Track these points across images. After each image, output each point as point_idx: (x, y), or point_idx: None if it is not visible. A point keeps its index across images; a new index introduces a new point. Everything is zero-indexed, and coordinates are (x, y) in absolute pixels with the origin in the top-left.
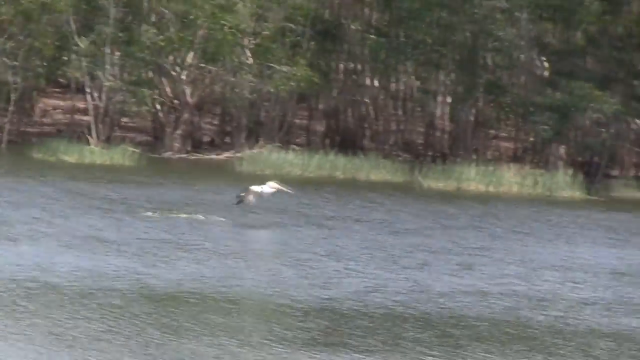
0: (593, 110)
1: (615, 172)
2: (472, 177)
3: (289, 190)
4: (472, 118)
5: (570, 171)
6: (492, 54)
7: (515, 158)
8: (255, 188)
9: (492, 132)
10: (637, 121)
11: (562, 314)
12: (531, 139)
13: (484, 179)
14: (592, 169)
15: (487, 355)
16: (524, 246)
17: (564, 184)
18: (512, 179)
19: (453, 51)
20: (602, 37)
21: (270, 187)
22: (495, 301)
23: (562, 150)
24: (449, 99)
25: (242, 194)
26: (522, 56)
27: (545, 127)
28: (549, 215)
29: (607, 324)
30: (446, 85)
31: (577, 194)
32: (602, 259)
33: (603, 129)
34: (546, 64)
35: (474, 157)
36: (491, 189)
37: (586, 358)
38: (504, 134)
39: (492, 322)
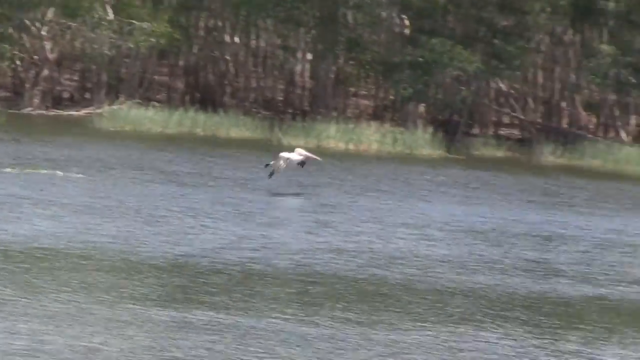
0: (454, 68)
1: (475, 131)
2: (332, 135)
3: (317, 158)
4: (332, 75)
5: (430, 129)
6: (353, 11)
7: (376, 116)
8: (284, 154)
9: (353, 89)
10: (498, 79)
11: (417, 271)
12: (391, 96)
13: (344, 136)
14: (452, 127)
15: (342, 312)
16: (381, 204)
17: (424, 142)
18: (372, 137)
19: (313, 8)
20: None
21: (298, 154)
22: (351, 258)
23: (422, 108)
24: (309, 56)
25: (272, 162)
26: (383, 14)
27: (406, 85)
28: (407, 173)
29: (461, 281)
30: (307, 43)
31: (437, 152)
32: (459, 216)
33: (463, 87)
34: (407, 22)
35: (334, 114)
36: (351, 146)
37: (440, 316)
38: (364, 92)
39: (348, 280)
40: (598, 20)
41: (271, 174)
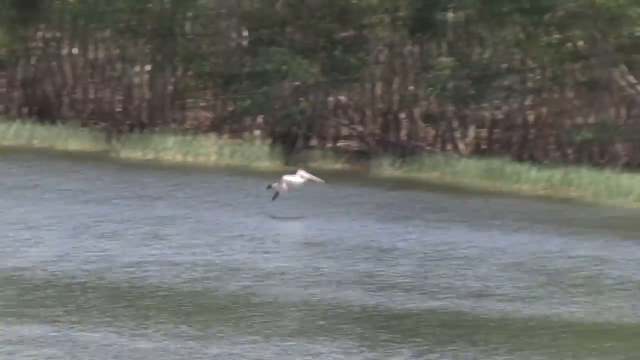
0: (293, 79)
1: (314, 143)
2: (170, 147)
3: (319, 180)
4: (170, 87)
5: (269, 141)
6: (191, 22)
7: (214, 128)
8: (288, 178)
9: (191, 101)
10: (337, 91)
11: (252, 284)
12: (230, 108)
13: (182, 148)
14: (291, 139)
15: (176, 326)
16: (217, 216)
17: (262, 154)
18: (210, 149)
19: (152, 19)
20: (302, 7)
21: (300, 176)
22: (186, 271)
23: (260, 119)
24: (148, 67)
25: (274, 184)
26: (222, 25)
27: (244, 96)
28: (244, 185)
29: (296, 294)
30: (145, 54)
31: (276, 164)
32: (295, 229)
33: (302, 99)
34: (246, 33)
35: (173, 126)
36: (189, 158)
37: (274, 329)
38: (203, 103)
39: (182, 293)
40: (437, 31)
41: (275, 196)
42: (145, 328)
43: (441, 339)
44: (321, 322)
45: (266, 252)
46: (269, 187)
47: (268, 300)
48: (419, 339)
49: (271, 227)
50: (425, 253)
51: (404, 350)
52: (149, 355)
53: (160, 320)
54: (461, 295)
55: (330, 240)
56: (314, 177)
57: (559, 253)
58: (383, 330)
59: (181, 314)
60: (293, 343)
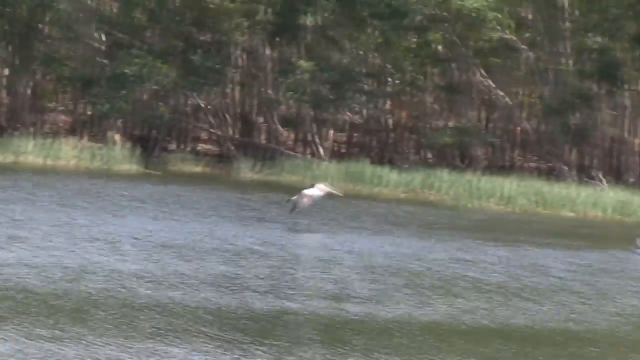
0: (152, 82)
1: (173, 146)
2: (29, 150)
3: (337, 193)
4: (29, 91)
5: (128, 144)
6: (50, 26)
7: (73, 131)
8: (307, 191)
9: (50, 105)
10: (195, 95)
11: (107, 286)
12: (89, 112)
13: (41, 152)
14: (151, 143)
15: (31, 328)
16: (73, 218)
17: (122, 157)
18: (69, 153)
19: (9, 23)
20: (162, 11)
21: (319, 189)
22: (41, 273)
23: (120, 123)
24: (6, 71)
25: (294, 198)
26: (81, 28)
27: (103, 100)
28: (103, 188)
29: (152, 296)
30: (3, 58)
31: (135, 167)
32: (151, 231)
33: (161, 103)
34: (105, 37)
35: (32, 130)
36: (49, 162)
37: (129, 331)
38: (62, 107)
39: (37, 295)
40: (296, 36)
41: (292, 210)
42: (0, 330)
43: (297, 341)
44: (177, 325)
45: (122, 255)
46: (288, 201)
47: (124, 303)
48: (275, 341)
49: (127, 229)
50: (281, 256)
51: (260, 352)
52: (4, 358)
53: (16, 323)
54: (317, 297)
55: (186, 242)
56: (332, 190)
57: (416, 255)
58: (239, 332)
59: (37, 315)
60: (149, 345)
